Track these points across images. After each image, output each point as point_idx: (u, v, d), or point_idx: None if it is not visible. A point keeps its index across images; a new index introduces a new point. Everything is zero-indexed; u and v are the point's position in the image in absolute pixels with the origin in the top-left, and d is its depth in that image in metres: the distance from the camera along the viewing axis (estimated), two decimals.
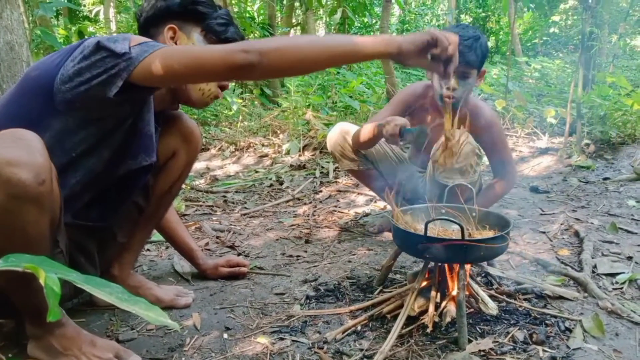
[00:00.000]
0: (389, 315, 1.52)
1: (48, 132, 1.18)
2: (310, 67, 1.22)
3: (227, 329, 1.51)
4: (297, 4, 9.84)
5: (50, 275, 0.53)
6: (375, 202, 3.01)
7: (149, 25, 1.46)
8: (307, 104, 4.93)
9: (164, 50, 1.15)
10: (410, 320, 1.44)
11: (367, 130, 2.20)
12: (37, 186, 1.02)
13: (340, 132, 2.39)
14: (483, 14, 15.40)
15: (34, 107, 1.20)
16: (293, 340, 1.42)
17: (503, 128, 2.48)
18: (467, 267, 1.49)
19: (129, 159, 1.41)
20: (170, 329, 1.48)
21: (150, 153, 1.44)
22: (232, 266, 1.90)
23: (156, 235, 2.34)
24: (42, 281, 0.52)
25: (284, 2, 10.09)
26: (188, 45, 1.42)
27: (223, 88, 1.55)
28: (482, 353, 1.31)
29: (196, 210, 2.97)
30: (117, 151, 1.37)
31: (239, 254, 2.18)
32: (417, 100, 2.30)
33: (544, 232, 2.33)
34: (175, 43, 1.43)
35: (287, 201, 3.18)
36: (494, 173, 2.36)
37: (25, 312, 1.21)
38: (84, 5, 11.30)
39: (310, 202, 3.12)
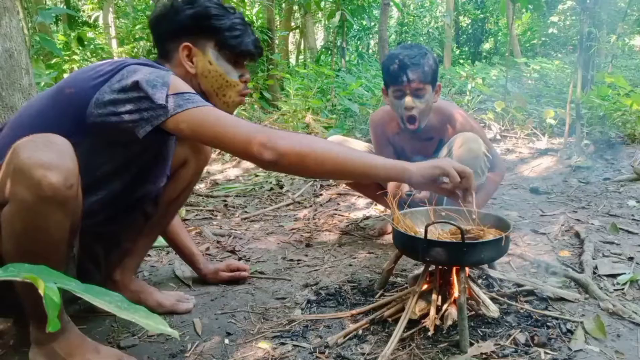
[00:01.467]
0: (390, 319, 1.51)
1: (75, 150, 1.19)
2: (325, 176, 1.30)
3: (229, 334, 1.50)
4: (295, 7, 9.87)
5: (49, 285, 0.54)
6: (375, 205, 3.01)
7: (163, 41, 1.44)
8: (306, 107, 4.95)
9: (196, 113, 1.19)
10: (411, 323, 1.44)
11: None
12: (65, 190, 1.05)
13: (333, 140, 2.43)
14: (481, 16, 15.44)
15: (64, 123, 1.21)
16: (294, 345, 1.42)
17: (477, 122, 2.49)
18: (468, 269, 1.49)
19: (150, 183, 1.47)
20: (171, 335, 1.48)
21: (168, 173, 1.49)
22: (232, 270, 1.90)
23: (157, 241, 2.34)
24: (41, 291, 0.52)
25: (283, 5, 10.12)
26: (219, 115, 1.23)
27: (244, 95, 1.57)
28: (484, 356, 1.31)
29: (197, 215, 2.97)
30: (140, 175, 1.41)
31: (239, 259, 2.18)
32: (387, 126, 2.33)
33: (544, 234, 2.33)
34: (192, 61, 1.41)
35: (288, 205, 3.18)
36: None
37: (32, 317, 1.21)
38: (83, 11, 11.34)
39: (311, 206, 3.12)
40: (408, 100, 2.08)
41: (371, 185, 2.49)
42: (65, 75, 6.37)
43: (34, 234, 1.07)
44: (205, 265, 1.88)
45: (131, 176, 1.39)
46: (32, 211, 1.04)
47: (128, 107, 1.17)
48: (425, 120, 2.15)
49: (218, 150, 4.78)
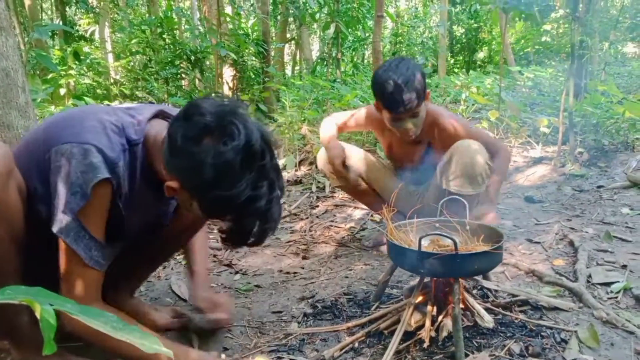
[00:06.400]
0: (386, 331, 1.52)
1: None
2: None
3: (225, 349, 1.51)
4: (291, 19, 9.94)
5: (45, 308, 0.55)
6: (372, 216, 3.02)
7: (166, 156, 1.17)
8: (302, 118, 4.96)
9: (66, 255, 1.17)
10: (407, 335, 1.45)
11: (325, 135, 2.40)
12: None
13: None
14: (475, 25, 15.56)
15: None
16: (291, 359, 1.42)
17: (466, 119, 2.51)
18: (462, 281, 1.50)
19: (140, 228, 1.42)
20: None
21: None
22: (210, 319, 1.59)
23: None
24: (37, 314, 0.54)
25: (278, 17, 10.20)
26: (73, 273, 1.19)
27: None
28: None
29: None
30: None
31: (236, 272, 2.19)
32: (378, 120, 2.33)
33: (539, 243, 2.35)
34: (175, 192, 1.17)
35: (284, 217, 3.19)
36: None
37: (8, 337, 1.23)
38: (79, 26, 11.39)
39: (307, 218, 3.13)
40: (409, 126, 2.12)
41: (367, 192, 2.50)
42: (62, 91, 6.39)
43: None
44: (198, 293, 1.64)
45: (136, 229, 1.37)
46: None
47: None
48: (420, 130, 2.18)
49: None
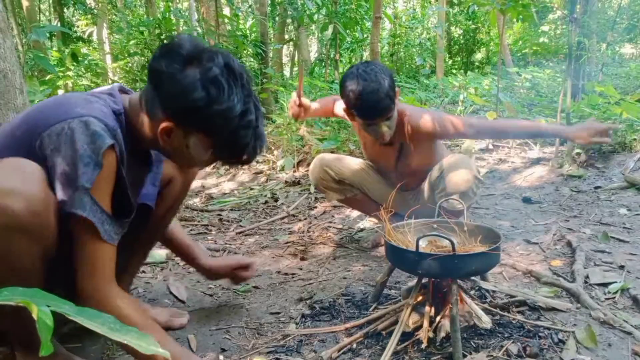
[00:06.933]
0: (384, 332, 1.52)
1: None
2: None
3: (223, 350, 1.51)
4: (289, 20, 9.95)
5: (42, 309, 0.55)
6: (369, 217, 3.03)
7: (153, 100, 1.19)
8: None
9: (83, 230, 1.14)
10: (405, 336, 1.45)
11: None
12: (30, 217, 1.04)
13: (320, 165, 2.45)
14: (473, 26, 15.58)
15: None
16: None
17: (434, 109, 2.50)
18: (460, 281, 1.50)
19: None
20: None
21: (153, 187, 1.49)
22: (234, 269, 1.81)
23: (151, 257, 2.35)
24: (34, 315, 0.54)
25: (276, 19, 10.20)
26: (96, 250, 1.17)
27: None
28: None
29: (191, 230, 2.98)
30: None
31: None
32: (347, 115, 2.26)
33: (536, 243, 2.35)
34: (169, 136, 1.20)
35: (282, 218, 3.19)
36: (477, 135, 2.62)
37: (14, 341, 1.22)
38: (78, 27, 11.39)
39: (305, 219, 3.13)
40: (384, 129, 2.08)
41: (363, 200, 2.52)
42: (60, 92, 6.38)
43: (1, 261, 1.06)
44: (206, 261, 1.79)
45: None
46: None
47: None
48: (393, 131, 2.15)
49: (212, 164, 4.79)
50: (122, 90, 1.32)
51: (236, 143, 1.21)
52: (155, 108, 1.18)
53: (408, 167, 2.31)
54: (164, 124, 1.17)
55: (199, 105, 1.13)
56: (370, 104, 2.00)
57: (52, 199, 1.09)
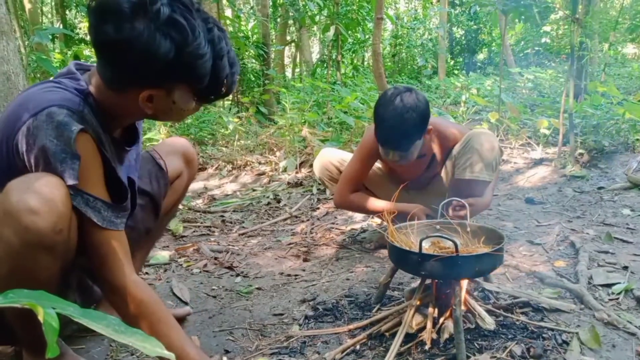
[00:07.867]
0: (387, 333, 1.52)
1: None
2: None
3: (227, 352, 1.51)
4: (290, 21, 9.96)
5: (48, 312, 0.55)
6: (372, 218, 3.03)
7: (121, 73, 1.11)
8: (303, 120, 4.97)
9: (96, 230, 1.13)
10: (408, 337, 1.45)
11: (377, 206, 2.31)
12: (53, 235, 1.03)
13: (326, 157, 2.47)
14: (475, 27, 15.58)
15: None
16: None
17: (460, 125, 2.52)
18: (463, 282, 1.50)
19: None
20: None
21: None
22: None
23: (154, 258, 2.35)
24: (40, 318, 0.54)
25: (278, 20, 10.21)
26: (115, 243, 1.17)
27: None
28: None
29: (194, 232, 2.98)
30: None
31: (237, 275, 2.19)
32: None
33: (540, 244, 2.34)
34: (151, 102, 1.15)
35: (285, 219, 3.19)
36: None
37: (24, 343, 1.22)
38: (80, 29, 11.42)
39: (308, 220, 3.13)
40: (396, 158, 2.08)
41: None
42: None
43: (21, 277, 1.05)
44: None
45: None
46: (20, 255, 1.02)
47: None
48: (411, 161, 2.12)
49: (215, 165, 4.80)
50: (80, 67, 1.24)
51: (217, 78, 1.14)
52: (123, 83, 1.11)
53: (433, 177, 2.34)
54: (142, 94, 1.11)
55: (170, 58, 1.04)
56: (385, 136, 2.02)
57: (73, 214, 1.09)
